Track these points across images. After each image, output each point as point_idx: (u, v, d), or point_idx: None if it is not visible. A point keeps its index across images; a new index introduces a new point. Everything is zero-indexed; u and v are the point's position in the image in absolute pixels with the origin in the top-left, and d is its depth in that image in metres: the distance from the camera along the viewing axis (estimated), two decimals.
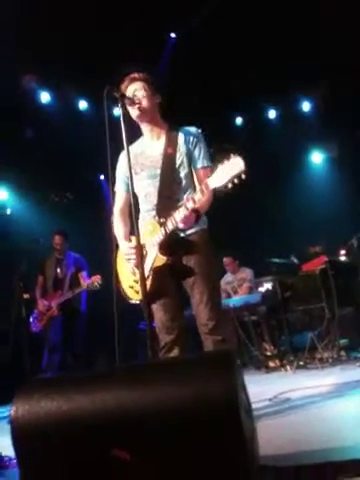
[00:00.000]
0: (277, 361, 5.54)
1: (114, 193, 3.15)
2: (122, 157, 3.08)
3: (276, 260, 5.90)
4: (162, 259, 2.86)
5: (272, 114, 9.23)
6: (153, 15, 6.66)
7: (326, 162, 9.48)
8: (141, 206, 3.04)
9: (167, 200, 2.93)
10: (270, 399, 3.43)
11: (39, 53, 6.45)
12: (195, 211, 2.78)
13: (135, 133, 3.13)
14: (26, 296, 5.95)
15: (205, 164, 2.99)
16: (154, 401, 1.51)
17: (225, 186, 2.57)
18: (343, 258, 5.87)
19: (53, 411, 1.56)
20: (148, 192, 3.00)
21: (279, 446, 2.19)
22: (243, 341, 6.25)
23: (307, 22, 6.92)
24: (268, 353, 5.84)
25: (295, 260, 5.98)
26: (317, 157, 9.61)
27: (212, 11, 6.78)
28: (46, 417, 1.56)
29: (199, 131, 3.11)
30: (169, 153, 2.99)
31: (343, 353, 4.99)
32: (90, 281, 5.66)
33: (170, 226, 2.83)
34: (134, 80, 3.02)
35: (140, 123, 3.10)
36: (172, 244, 2.89)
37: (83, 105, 8.08)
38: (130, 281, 3.04)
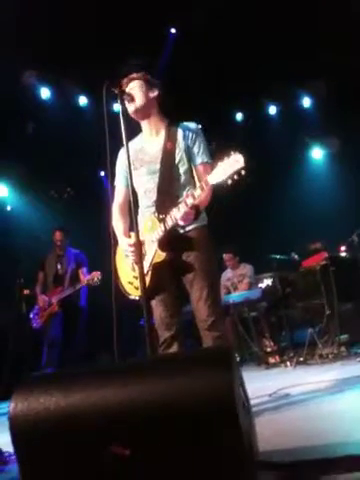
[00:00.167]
0: (277, 357, 5.55)
1: (114, 188, 3.15)
2: (122, 152, 3.06)
3: (276, 256, 5.90)
4: (161, 255, 2.86)
5: (272, 110, 9.23)
6: (153, 10, 6.65)
7: (326, 158, 9.48)
8: (140, 202, 3.03)
9: (166, 196, 2.92)
10: (270, 395, 3.42)
11: (39, 49, 6.45)
12: (195, 207, 2.77)
13: (135, 129, 3.12)
14: (26, 292, 5.97)
15: (205, 160, 2.98)
16: (152, 397, 1.51)
17: (225, 183, 2.57)
18: (344, 254, 5.85)
19: (52, 407, 1.56)
20: (147, 188, 2.99)
21: (279, 442, 2.19)
22: (243, 337, 6.25)
23: (308, 17, 6.91)
24: (268, 349, 5.83)
25: (295, 256, 5.97)
26: (317, 153, 9.61)
27: (213, 7, 6.76)
28: (45, 413, 1.56)
29: (199, 127, 3.09)
30: (168, 149, 2.98)
31: (343, 349, 4.98)
32: (90, 277, 5.66)
33: (170, 222, 2.82)
34: (132, 79, 3.02)
35: (137, 119, 3.09)
36: (172, 240, 2.89)
37: (83, 101, 8.08)
38: (129, 277, 3.03)
